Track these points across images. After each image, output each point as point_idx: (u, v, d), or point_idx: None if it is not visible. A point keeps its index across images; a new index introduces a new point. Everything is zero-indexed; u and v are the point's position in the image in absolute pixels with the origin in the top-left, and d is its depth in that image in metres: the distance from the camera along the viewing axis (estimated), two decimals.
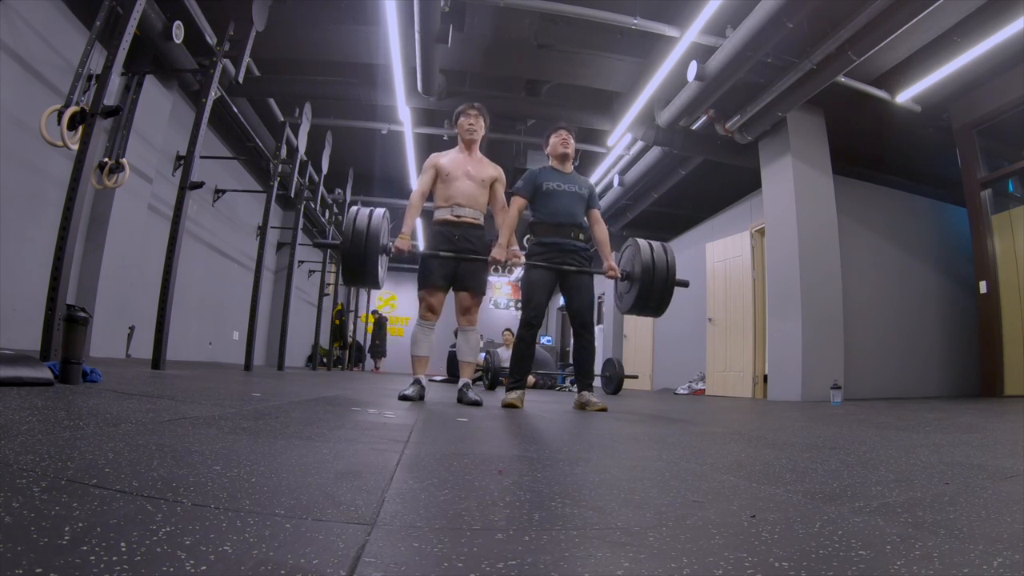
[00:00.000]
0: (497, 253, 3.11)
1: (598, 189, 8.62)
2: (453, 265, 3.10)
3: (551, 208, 3.21)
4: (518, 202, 3.24)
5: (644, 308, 3.21)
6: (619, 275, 3.30)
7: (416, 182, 3.29)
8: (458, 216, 3.13)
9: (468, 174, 3.18)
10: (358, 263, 2.92)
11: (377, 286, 3.15)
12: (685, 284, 3.19)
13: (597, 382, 6.07)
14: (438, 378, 8.18)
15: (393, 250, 3.04)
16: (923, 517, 0.80)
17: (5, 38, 3.85)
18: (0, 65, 3.83)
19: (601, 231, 3.34)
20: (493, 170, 3.26)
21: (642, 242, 3.24)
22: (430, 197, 3.25)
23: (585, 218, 3.31)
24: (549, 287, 3.17)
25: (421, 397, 3.05)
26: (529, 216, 3.33)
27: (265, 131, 6.92)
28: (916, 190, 6.93)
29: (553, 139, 3.33)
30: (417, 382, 3.09)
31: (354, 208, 3.02)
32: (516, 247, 3.22)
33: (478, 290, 3.17)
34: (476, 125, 3.23)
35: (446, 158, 3.22)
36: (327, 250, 9.47)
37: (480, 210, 3.20)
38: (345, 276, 3.04)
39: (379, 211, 3.00)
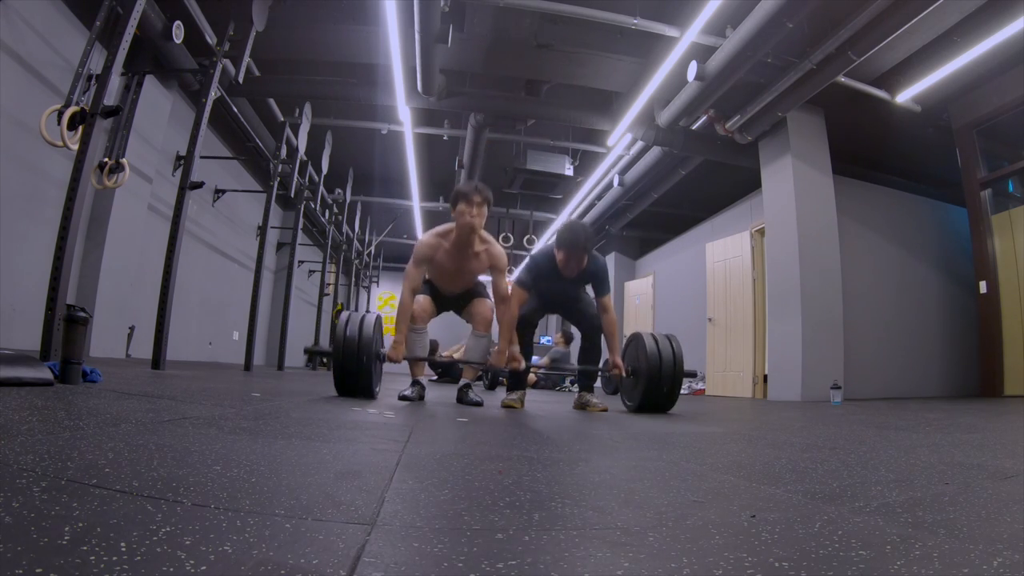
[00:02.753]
0: (495, 359, 2.94)
1: (598, 189, 8.59)
2: (448, 300, 3.22)
3: (544, 300, 3.24)
4: (519, 295, 3.05)
5: (654, 405, 3.01)
6: (624, 374, 3.12)
7: (404, 281, 2.99)
8: (450, 293, 3.21)
9: (461, 273, 3.02)
10: (352, 371, 2.75)
11: (372, 396, 2.84)
12: (693, 375, 3.13)
13: (597, 382, 6.07)
14: (434, 377, 8.19)
15: (386, 358, 2.90)
16: (923, 517, 0.80)
17: (5, 38, 3.85)
18: (0, 65, 3.83)
19: (609, 323, 3.11)
20: (487, 263, 3.01)
21: (646, 336, 3.09)
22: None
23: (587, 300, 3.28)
24: (540, 313, 3.30)
25: (421, 397, 3.06)
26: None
27: (265, 131, 6.92)
28: (916, 190, 6.93)
29: (560, 257, 3.02)
30: (417, 383, 3.09)
31: (344, 314, 2.84)
32: (516, 348, 2.99)
33: (483, 298, 3.16)
34: (479, 217, 2.86)
35: (439, 253, 2.97)
36: (327, 246, 9.46)
37: (473, 285, 3.21)
38: (339, 386, 2.83)
39: (371, 317, 2.85)
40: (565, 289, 3.19)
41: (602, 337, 3.22)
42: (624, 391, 3.33)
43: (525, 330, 3.21)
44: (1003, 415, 3.28)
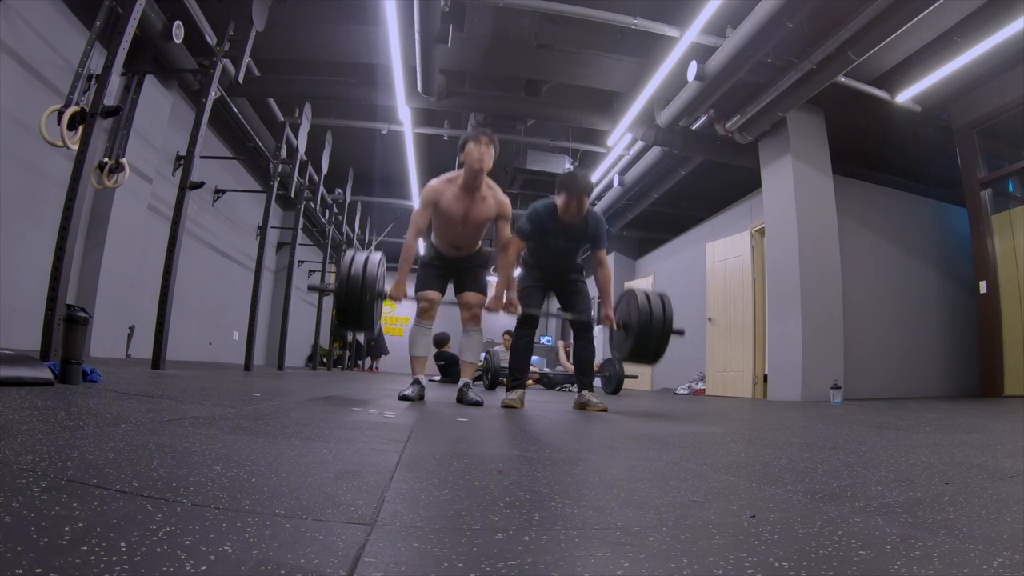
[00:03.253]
0: (492, 304, 3.05)
1: (598, 189, 8.59)
2: (451, 271, 3.16)
3: (546, 249, 3.24)
4: (517, 244, 3.14)
5: (641, 357, 3.19)
6: (615, 325, 3.22)
7: (411, 226, 3.04)
8: (454, 255, 3.18)
9: (467, 220, 3.01)
10: (354, 309, 2.83)
11: (372, 332, 3.09)
12: (681, 333, 3.17)
13: (597, 382, 6.08)
14: (435, 378, 8.18)
15: (388, 296, 2.97)
16: (923, 517, 0.80)
17: (5, 38, 3.85)
18: (0, 65, 3.83)
19: (604, 275, 3.23)
20: (495, 208, 3.04)
21: (638, 292, 3.17)
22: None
23: (582, 259, 3.37)
24: (540, 298, 3.29)
25: (421, 397, 3.06)
26: (522, 251, 3.29)
27: (265, 131, 6.92)
28: (916, 190, 6.93)
29: (561, 201, 3.09)
30: (417, 382, 3.09)
31: (349, 252, 2.92)
32: (513, 294, 3.10)
33: (480, 290, 3.17)
34: (487, 155, 2.92)
35: (445, 197, 2.99)
36: (328, 245, 9.45)
37: (478, 243, 3.21)
38: (340, 321, 2.94)
39: (375, 256, 2.91)
40: (566, 247, 3.22)
41: (592, 339, 3.29)
42: (615, 344, 3.40)
43: (527, 330, 3.24)
44: (1003, 415, 3.28)
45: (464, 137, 2.99)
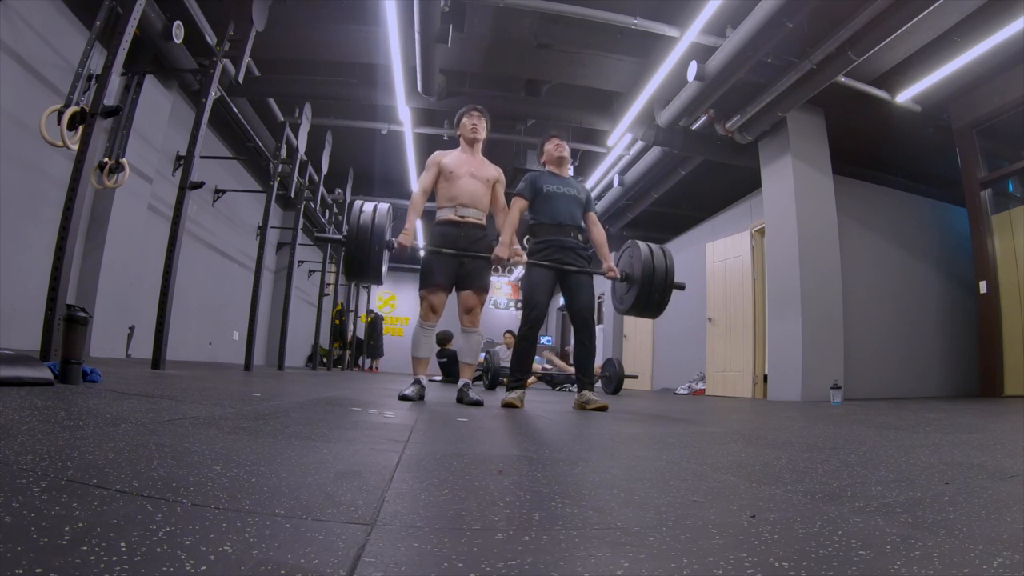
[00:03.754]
0: (500, 251, 3.11)
1: (598, 189, 8.67)
2: (456, 264, 3.10)
3: (551, 210, 3.24)
4: (519, 203, 3.27)
5: (644, 309, 3.24)
6: (618, 276, 3.35)
7: (417, 181, 3.31)
8: (462, 216, 3.13)
9: (472, 173, 3.17)
10: (363, 257, 2.91)
11: (379, 281, 3.11)
12: (682, 287, 3.22)
13: (597, 383, 6.08)
14: (437, 378, 8.18)
15: (396, 246, 3.03)
16: (923, 517, 0.80)
17: (5, 38, 3.85)
18: (0, 65, 3.83)
19: (599, 233, 3.40)
20: (495, 171, 3.28)
21: (641, 244, 3.26)
22: (432, 196, 3.23)
23: (583, 221, 3.35)
24: (550, 287, 3.19)
25: (421, 397, 3.05)
26: (528, 219, 3.33)
27: (265, 131, 6.93)
28: (916, 190, 6.93)
29: (548, 147, 3.42)
30: (417, 382, 3.09)
31: (358, 202, 3.00)
32: (518, 246, 3.22)
33: (482, 288, 3.16)
34: (479, 125, 3.24)
35: (449, 157, 3.21)
36: (327, 246, 9.45)
37: (483, 210, 3.21)
38: (348, 270, 3.02)
39: (383, 206, 3.00)
40: (567, 208, 3.27)
41: (594, 337, 3.26)
42: (616, 296, 3.44)
43: (531, 328, 3.19)
44: (1003, 415, 3.28)
45: (458, 114, 3.32)
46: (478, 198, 3.16)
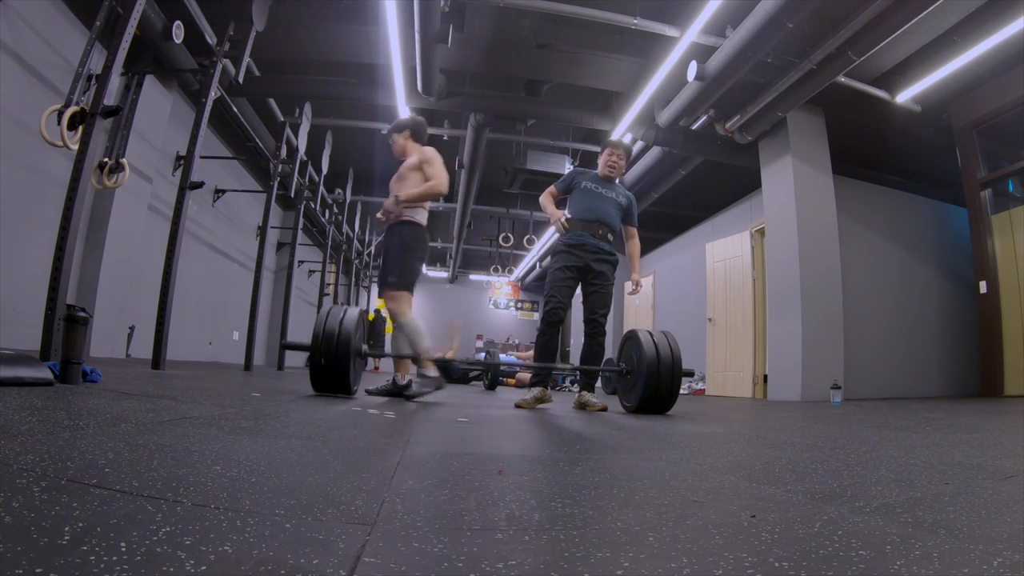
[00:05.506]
0: (388, 203, 3.18)
1: None
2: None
3: (584, 203, 3.31)
4: (551, 190, 3.47)
5: (653, 405, 2.95)
6: (639, 290, 3.50)
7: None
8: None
9: (399, 177, 3.37)
10: (328, 370, 2.69)
11: (348, 393, 2.83)
12: (691, 373, 3.11)
13: (598, 383, 6.05)
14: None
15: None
16: (923, 517, 0.80)
17: (5, 38, 3.85)
18: (0, 65, 3.83)
19: (634, 245, 3.54)
20: (416, 157, 3.35)
21: (641, 333, 3.09)
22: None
23: (620, 226, 3.42)
24: (571, 285, 3.23)
25: (440, 388, 3.15)
26: (565, 213, 3.38)
27: (265, 131, 6.92)
28: (916, 190, 6.93)
29: (604, 156, 3.45)
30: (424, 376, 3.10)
31: (325, 307, 2.86)
32: (391, 199, 3.25)
33: (381, 283, 3.23)
34: (394, 145, 3.45)
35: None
36: (327, 246, 9.45)
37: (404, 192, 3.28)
38: (313, 383, 2.80)
39: (353, 311, 2.83)
40: (604, 208, 3.30)
41: (603, 340, 3.30)
42: (621, 391, 3.31)
43: (552, 328, 3.22)
44: (1003, 415, 3.28)
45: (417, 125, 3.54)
46: (395, 190, 3.30)
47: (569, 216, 3.29)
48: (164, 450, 1.01)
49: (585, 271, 3.21)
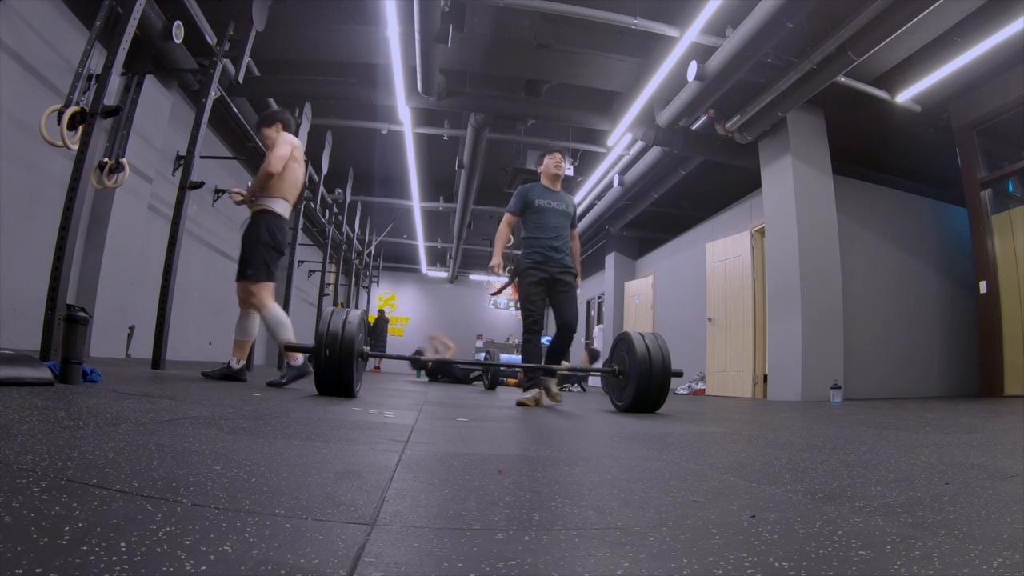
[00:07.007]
0: (234, 195, 3.39)
1: (598, 189, 8.69)
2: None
3: (542, 222, 3.53)
4: (508, 219, 3.60)
5: (643, 404, 3.03)
6: (579, 285, 3.62)
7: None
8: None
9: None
10: (332, 373, 2.69)
11: (351, 396, 2.78)
12: (679, 374, 3.16)
13: (597, 382, 6.07)
14: (424, 380, 8.22)
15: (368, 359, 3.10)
16: (923, 517, 0.80)
17: (5, 38, 3.85)
18: (0, 65, 3.83)
19: (575, 246, 3.72)
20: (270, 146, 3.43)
21: (632, 334, 3.16)
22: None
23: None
24: (544, 297, 3.52)
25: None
26: (522, 232, 3.59)
27: None
28: (916, 190, 6.93)
29: (548, 161, 3.62)
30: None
31: (328, 310, 2.83)
32: (497, 260, 3.56)
33: (240, 277, 3.44)
34: (263, 137, 3.54)
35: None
36: (327, 246, 9.45)
37: (254, 194, 3.37)
38: (317, 385, 2.78)
39: (355, 314, 2.82)
40: (557, 222, 3.52)
41: (572, 337, 3.58)
42: (613, 390, 3.39)
43: (533, 335, 3.43)
44: (1003, 415, 3.28)
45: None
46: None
47: (509, 267, 3.56)
48: (164, 450, 1.01)
49: (552, 282, 3.48)
